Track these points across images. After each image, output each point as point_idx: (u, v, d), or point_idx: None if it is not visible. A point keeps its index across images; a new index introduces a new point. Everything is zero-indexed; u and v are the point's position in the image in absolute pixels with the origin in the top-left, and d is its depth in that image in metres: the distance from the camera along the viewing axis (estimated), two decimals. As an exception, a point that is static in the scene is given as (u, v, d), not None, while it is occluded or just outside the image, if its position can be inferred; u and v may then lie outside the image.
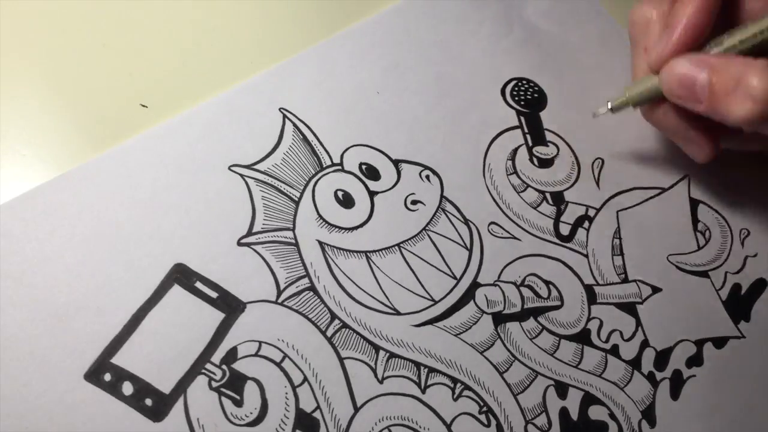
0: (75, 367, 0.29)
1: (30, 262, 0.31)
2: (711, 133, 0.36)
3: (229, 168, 0.35)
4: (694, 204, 0.41)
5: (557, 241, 0.38)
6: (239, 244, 0.33)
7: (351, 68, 0.39)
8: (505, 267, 0.37)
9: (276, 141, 0.36)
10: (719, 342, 0.38)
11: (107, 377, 0.30)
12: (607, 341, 0.37)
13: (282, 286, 0.33)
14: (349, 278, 0.34)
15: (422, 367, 0.34)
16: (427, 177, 0.38)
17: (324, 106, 0.37)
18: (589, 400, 0.35)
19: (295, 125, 0.36)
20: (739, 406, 0.36)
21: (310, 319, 0.33)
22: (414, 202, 0.37)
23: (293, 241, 0.34)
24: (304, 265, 0.34)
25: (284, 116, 0.36)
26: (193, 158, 0.34)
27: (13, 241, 0.31)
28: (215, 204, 0.34)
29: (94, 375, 0.29)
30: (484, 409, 0.34)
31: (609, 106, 0.38)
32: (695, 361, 0.37)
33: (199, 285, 0.32)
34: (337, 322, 0.33)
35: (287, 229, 0.34)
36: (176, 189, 0.33)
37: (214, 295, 0.32)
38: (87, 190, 0.32)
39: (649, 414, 0.36)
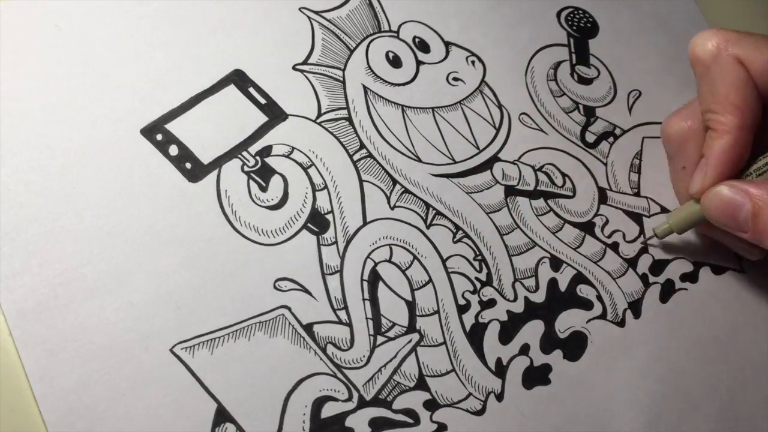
0: (134, 123, 0.34)
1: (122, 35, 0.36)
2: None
3: (300, 9, 0.39)
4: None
5: (581, 144, 0.41)
6: (294, 68, 0.38)
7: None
8: (527, 151, 0.40)
9: None
10: (718, 269, 0.40)
11: (159, 137, 0.34)
12: (609, 237, 0.39)
13: (323, 110, 0.37)
14: (383, 120, 0.38)
15: (430, 208, 0.37)
16: (473, 62, 0.41)
17: (392, -18, 0.42)
18: (579, 279, 0.38)
19: (364, -10, 0.41)
20: (723, 327, 0.38)
21: (340, 142, 0.37)
22: (455, 79, 0.41)
23: (341, 78, 0.38)
24: (346, 99, 0.38)
25: (356, -19, 0.41)
26: (269, -8, 0.39)
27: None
28: (280, 33, 0.38)
29: (148, 132, 0.34)
30: (479, 257, 0.37)
31: (654, 233, 0.38)
32: (690, 277, 0.39)
33: (252, 90, 0.36)
34: (364, 151, 0.37)
35: (338, 68, 0.39)
36: (250, 11, 0.38)
37: (263, 101, 0.36)
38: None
39: (635, 307, 0.38)
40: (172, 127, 0.35)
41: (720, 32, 0.34)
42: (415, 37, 0.41)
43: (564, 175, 0.40)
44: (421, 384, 0.33)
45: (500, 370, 0.34)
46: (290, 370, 0.32)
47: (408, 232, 0.36)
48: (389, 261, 0.35)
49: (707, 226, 0.36)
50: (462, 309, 0.35)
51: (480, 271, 0.36)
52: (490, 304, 0.36)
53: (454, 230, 0.37)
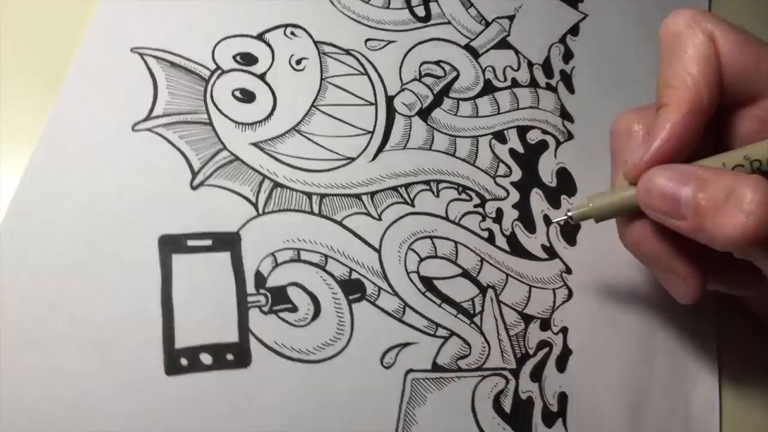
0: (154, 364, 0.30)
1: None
2: (697, 266, 0.31)
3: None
4: None
5: (419, 24, 0.41)
6: (192, 187, 0.34)
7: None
8: (400, 68, 0.40)
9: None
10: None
11: (183, 361, 0.30)
12: (505, 80, 0.42)
13: (260, 206, 0.34)
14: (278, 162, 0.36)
15: (400, 187, 0.37)
16: (292, 33, 0.38)
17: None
18: (522, 129, 0.41)
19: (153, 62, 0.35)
20: None
21: (290, 209, 0.34)
22: (298, 62, 0.38)
23: (232, 157, 0.35)
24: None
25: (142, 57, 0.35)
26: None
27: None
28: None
29: (172, 365, 0.30)
30: (460, 189, 0.38)
31: (568, 214, 0.33)
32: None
33: (191, 242, 0.32)
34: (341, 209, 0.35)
35: (222, 150, 0.35)
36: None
37: (208, 242, 0.33)
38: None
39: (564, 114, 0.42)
40: (181, 343, 0.31)
41: (697, 9, 0.31)
42: (235, 57, 0.37)
43: (438, 62, 0.41)
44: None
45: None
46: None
47: (408, 225, 0.36)
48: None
49: (634, 228, 0.32)
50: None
51: (471, 199, 0.38)
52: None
53: (429, 186, 0.37)
